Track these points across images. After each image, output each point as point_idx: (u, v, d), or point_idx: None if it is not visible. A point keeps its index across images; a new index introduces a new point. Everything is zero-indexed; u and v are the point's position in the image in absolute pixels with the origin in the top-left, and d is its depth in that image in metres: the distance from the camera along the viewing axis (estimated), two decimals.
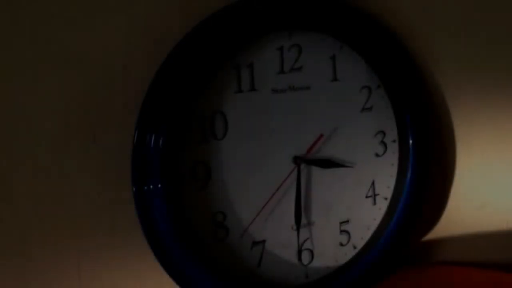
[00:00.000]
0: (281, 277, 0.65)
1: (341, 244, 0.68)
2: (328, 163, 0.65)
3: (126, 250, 0.60)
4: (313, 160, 0.64)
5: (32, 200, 0.55)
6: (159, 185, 0.54)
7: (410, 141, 0.69)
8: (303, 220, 0.64)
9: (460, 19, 0.74)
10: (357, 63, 0.65)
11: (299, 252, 0.65)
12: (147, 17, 0.56)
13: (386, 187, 0.70)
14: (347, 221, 0.68)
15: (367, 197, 0.69)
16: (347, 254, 0.69)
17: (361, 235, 0.70)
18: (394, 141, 0.70)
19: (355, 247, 0.69)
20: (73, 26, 0.53)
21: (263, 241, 0.63)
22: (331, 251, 0.68)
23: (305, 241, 0.66)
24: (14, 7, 0.50)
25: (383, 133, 0.69)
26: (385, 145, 0.69)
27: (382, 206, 0.70)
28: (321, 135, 0.64)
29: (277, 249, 0.64)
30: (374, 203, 0.70)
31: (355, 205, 0.69)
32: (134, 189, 0.55)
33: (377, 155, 0.69)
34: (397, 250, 0.71)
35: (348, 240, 0.69)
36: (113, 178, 0.58)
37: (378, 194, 0.70)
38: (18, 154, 0.53)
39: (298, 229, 0.64)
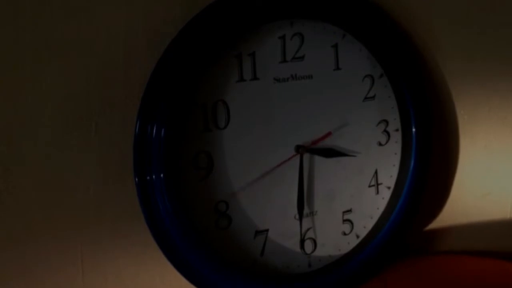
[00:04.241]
0: (284, 266, 0.65)
1: (344, 233, 0.69)
2: (331, 152, 0.65)
3: (128, 240, 0.61)
4: (315, 149, 0.63)
5: (34, 191, 0.55)
6: (162, 175, 0.54)
7: (413, 130, 0.69)
8: (306, 210, 0.64)
9: (464, 7, 0.73)
10: (359, 52, 0.65)
11: (302, 241, 0.65)
12: (149, 7, 0.56)
13: (389, 176, 0.70)
14: (350, 210, 0.68)
15: (370, 186, 0.69)
16: (350, 243, 0.69)
17: (364, 224, 0.70)
18: (397, 130, 0.69)
19: (358, 236, 0.69)
20: (74, 16, 0.53)
21: (266, 230, 0.63)
22: (334, 240, 0.68)
23: (307, 230, 0.66)
24: None
25: (386, 122, 0.69)
26: (388, 134, 0.69)
27: (385, 195, 0.70)
28: (329, 133, 0.64)
29: (280, 238, 0.64)
30: (377, 192, 0.70)
31: (358, 194, 0.69)
32: (136, 179, 0.55)
33: (380, 144, 0.69)
34: (400, 239, 0.71)
35: (351, 229, 0.69)
36: (115, 169, 0.58)
37: (381, 183, 0.70)
38: (20, 146, 0.53)
39: (300, 219, 0.64)
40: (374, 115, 0.67)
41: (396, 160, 0.70)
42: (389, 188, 0.70)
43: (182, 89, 0.54)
